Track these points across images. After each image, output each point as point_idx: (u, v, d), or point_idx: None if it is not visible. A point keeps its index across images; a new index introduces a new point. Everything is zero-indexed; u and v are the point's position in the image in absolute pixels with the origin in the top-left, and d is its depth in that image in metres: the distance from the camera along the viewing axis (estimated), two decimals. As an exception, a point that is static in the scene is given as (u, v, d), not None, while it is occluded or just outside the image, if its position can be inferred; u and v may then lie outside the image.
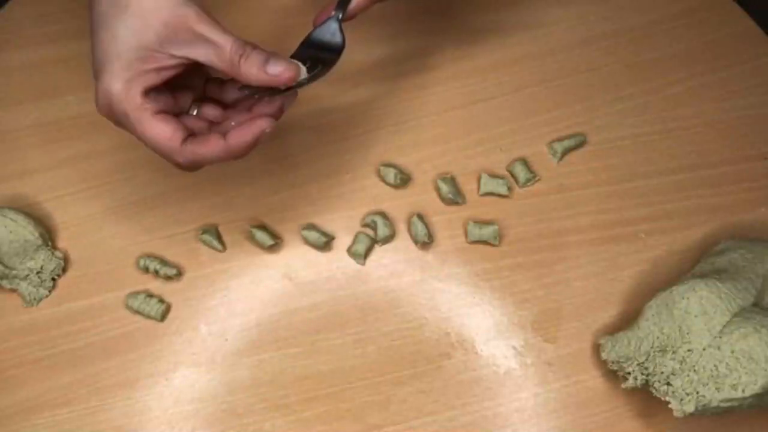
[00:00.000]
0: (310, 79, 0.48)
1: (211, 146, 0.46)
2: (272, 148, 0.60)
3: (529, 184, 0.59)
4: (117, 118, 0.46)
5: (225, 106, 0.50)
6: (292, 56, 0.49)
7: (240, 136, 0.46)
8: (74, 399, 0.52)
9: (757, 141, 0.60)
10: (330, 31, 0.50)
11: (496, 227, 0.56)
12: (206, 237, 0.56)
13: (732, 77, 0.62)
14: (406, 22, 0.59)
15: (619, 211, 0.58)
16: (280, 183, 0.59)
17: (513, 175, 0.59)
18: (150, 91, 0.46)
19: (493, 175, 0.58)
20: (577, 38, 0.64)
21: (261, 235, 0.56)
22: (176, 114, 0.48)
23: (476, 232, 0.56)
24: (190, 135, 0.47)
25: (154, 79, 0.45)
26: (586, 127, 0.60)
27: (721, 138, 0.60)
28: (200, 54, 0.46)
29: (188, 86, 0.50)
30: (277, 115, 0.48)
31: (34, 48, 0.63)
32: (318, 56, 0.49)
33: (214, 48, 0.45)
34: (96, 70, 0.46)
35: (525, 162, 0.59)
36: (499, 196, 0.58)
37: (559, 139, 0.59)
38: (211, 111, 0.50)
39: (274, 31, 0.64)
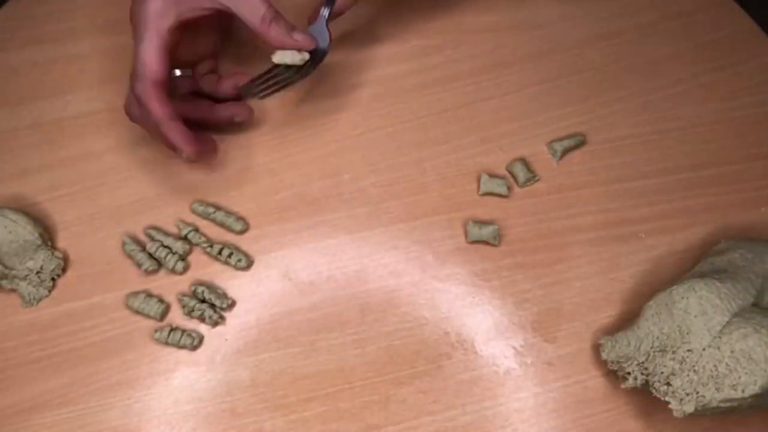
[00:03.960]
0: (301, 75, 0.55)
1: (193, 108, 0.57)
2: (272, 148, 0.60)
3: (529, 184, 0.59)
4: (134, 23, 0.52)
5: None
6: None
7: (217, 110, 0.57)
8: (74, 399, 0.52)
9: (757, 141, 0.60)
10: (317, 33, 0.55)
11: (495, 227, 0.56)
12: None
13: (732, 77, 0.62)
14: (405, 22, 0.59)
15: (619, 211, 0.58)
16: (280, 183, 0.59)
17: (513, 175, 0.59)
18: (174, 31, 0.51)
19: (493, 175, 0.58)
20: (577, 38, 0.64)
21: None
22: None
23: (476, 232, 0.56)
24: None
25: (186, 12, 0.51)
26: (586, 127, 0.60)
27: (721, 138, 0.60)
28: (239, 6, 0.51)
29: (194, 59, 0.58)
30: (246, 115, 0.58)
31: (34, 48, 0.63)
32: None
33: (251, 5, 0.51)
34: None
35: (525, 162, 0.59)
36: (499, 196, 0.58)
37: (559, 139, 0.59)
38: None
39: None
